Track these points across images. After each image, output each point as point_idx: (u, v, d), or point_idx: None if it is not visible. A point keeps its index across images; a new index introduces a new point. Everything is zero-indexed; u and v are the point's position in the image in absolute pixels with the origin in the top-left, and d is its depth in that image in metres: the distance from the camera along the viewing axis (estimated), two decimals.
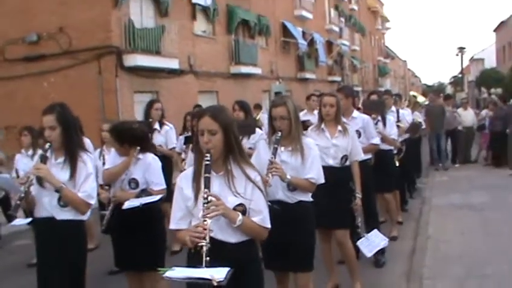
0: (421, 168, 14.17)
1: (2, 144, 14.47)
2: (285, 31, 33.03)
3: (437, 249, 7.63)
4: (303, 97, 28.87)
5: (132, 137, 5.41)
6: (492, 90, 19.90)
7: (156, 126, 8.55)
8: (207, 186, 3.25)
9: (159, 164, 5.52)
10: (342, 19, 48.93)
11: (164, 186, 5.45)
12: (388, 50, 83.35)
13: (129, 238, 5.30)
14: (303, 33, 35.67)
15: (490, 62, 60.50)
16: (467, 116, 17.15)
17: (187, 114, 8.24)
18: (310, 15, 37.03)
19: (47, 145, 4.55)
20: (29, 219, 7.72)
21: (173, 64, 19.35)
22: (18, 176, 7.97)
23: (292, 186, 4.63)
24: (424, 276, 6.55)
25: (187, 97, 19.63)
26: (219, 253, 3.17)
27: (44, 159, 4.51)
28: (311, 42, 36.74)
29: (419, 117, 12.82)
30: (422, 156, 14.66)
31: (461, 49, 56.24)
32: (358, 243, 6.14)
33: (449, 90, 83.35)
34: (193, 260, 3.18)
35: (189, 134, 8.70)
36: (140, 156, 5.37)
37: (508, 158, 15.02)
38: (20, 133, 8.41)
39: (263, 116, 12.45)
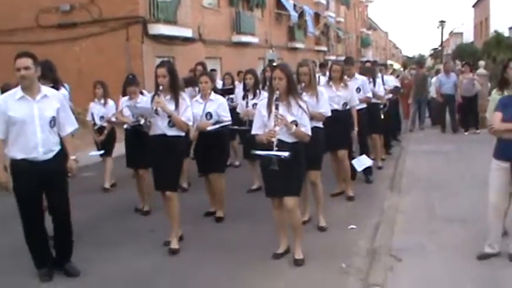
0: (400, 126, 16.89)
1: None
2: (279, 4, 35.64)
3: (411, 173, 10.68)
4: (292, 64, 31.39)
5: None
6: (463, 62, 22.44)
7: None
8: (277, 108, 5.87)
9: (226, 102, 8.23)
10: None
11: (230, 117, 8.07)
12: (370, 22, 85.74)
13: (208, 152, 7.94)
14: (294, 5, 38.15)
15: (468, 36, 62.95)
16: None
17: (246, 71, 10.12)
18: None
19: (160, 87, 6.57)
20: (102, 151, 10.42)
21: (187, 33, 22.03)
22: (93, 119, 10.51)
23: (310, 116, 6.69)
24: (402, 187, 9.58)
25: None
26: (281, 147, 5.80)
27: (158, 96, 6.59)
28: (301, 14, 39.20)
29: (395, 81, 15.45)
30: (401, 116, 17.38)
31: (442, 22, 58.15)
32: (353, 161, 9.26)
33: (429, 62, 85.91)
34: (268, 150, 5.85)
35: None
36: (213, 97, 7.93)
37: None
38: (94, 86, 10.61)
39: None
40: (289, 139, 5.94)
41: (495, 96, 6.51)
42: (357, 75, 9.98)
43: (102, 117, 10.48)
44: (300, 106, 6.00)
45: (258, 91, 9.54)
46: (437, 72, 21.76)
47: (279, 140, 5.79)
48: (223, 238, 7.31)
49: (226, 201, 8.34)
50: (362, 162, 9.41)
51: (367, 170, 9.99)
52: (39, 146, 5.64)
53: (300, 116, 5.98)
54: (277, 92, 5.88)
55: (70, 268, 6.08)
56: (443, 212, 7.91)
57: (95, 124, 10.55)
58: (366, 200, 8.93)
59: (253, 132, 6.19)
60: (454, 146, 14.17)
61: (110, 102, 10.45)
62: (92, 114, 10.58)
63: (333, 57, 46.75)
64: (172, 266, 6.33)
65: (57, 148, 5.82)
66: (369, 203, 8.78)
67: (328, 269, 5.99)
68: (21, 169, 5.68)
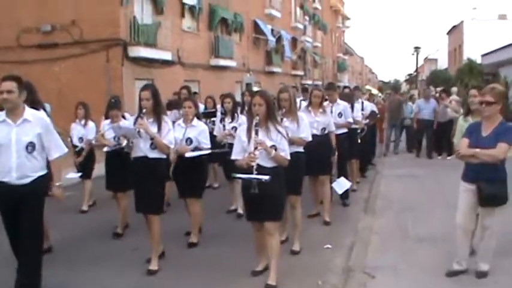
0: (375, 150, 17.25)
1: None
2: (256, 28, 36.20)
3: (384, 196, 11.01)
4: (269, 88, 31.98)
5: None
6: (438, 89, 23.05)
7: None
8: (257, 134, 5.97)
9: (207, 129, 8.27)
10: (307, 17, 52.19)
11: (209, 145, 8.12)
12: (347, 47, 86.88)
13: (186, 176, 7.95)
14: (272, 30, 38.71)
15: (443, 62, 64.07)
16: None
17: (225, 95, 10.24)
18: (278, 14, 40.32)
19: (144, 110, 6.68)
20: (80, 174, 10.40)
21: (166, 56, 22.41)
22: (72, 141, 10.51)
23: (291, 141, 6.69)
24: (376, 209, 9.90)
25: (176, 85, 22.08)
26: (261, 171, 5.88)
27: (141, 118, 6.68)
28: (278, 39, 39.86)
29: (373, 106, 15.85)
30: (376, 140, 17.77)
31: (417, 49, 59.14)
32: (333, 184, 9.43)
33: (404, 87, 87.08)
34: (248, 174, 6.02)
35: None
36: (195, 123, 8.00)
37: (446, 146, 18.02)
38: (76, 107, 10.68)
39: None
40: (268, 164, 6.07)
41: (462, 122, 6.87)
42: (338, 100, 10.17)
43: (81, 138, 10.53)
44: (278, 131, 6.15)
45: (236, 115, 9.70)
46: (411, 97, 22.23)
47: (259, 165, 5.93)
48: (202, 257, 7.47)
49: (205, 221, 8.49)
50: (342, 185, 9.67)
51: (344, 194, 10.25)
52: (13, 171, 5.59)
53: (279, 141, 6.12)
54: (257, 118, 6.04)
55: None
56: (416, 233, 8.22)
57: (74, 145, 10.55)
58: (341, 222, 9.18)
59: (233, 157, 6.31)
60: (426, 170, 14.55)
61: (90, 123, 10.51)
62: (71, 136, 10.64)
63: (309, 82, 47.42)
64: (151, 284, 6.47)
65: (36, 174, 5.73)
66: (344, 225, 9.04)
67: (304, 286, 6.23)
68: None
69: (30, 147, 5.66)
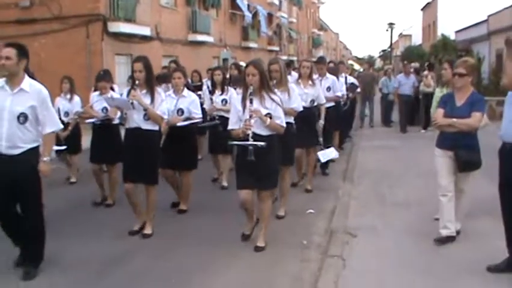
0: (352, 123, 17.67)
1: None
2: (233, 4, 36.29)
3: (361, 167, 11.52)
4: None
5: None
6: (412, 64, 23.51)
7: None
8: (251, 103, 6.20)
9: (198, 99, 8.48)
10: None
11: (201, 115, 8.36)
12: (322, 23, 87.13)
13: (178, 150, 8.01)
14: (248, 6, 38.81)
15: (417, 38, 64.53)
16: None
17: (215, 68, 10.64)
18: None
19: (137, 81, 6.83)
20: (64, 147, 10.05)
21: (145, 31, 22.52)
22: (59, 114, 10.26)
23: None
24: (354, 178, 10.40)
25: (154, 60, 22.37)
26: (257, 140, 6.09)
27: (135, 89, 6.85)
28: (255, 15, 39.95)
29: (355, 80, 16.29)
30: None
31: (391, 25, 59.61)
32: (318, 153, 9.79)
33: (378, 63, 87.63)
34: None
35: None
36: (185, 94, 8.22)
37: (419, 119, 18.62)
38: (61, 81, 10.70)
39: None
40: (264, 132, 6.28)
41: (438, 94, 7.33)
42: (327, 74, 10.50)
43: (66, 113, 10.50)
44: (273, 100, 6.33)
45: (226, 87, 9.85)
46: (386, 72, 22.67)
47: (255, 133, 6.14)
48: (192, 225, 7.75)
49: (192, 190, 8.65)
50: (327, 154, 9.97)
51: (324, 164, 10.62)
52: (3, 139, 5.50)
53: (274, 109, 6.32)
54: (251, 87, 6.21)
55: (25, 273, 5.80)
56: (392, 198, 8.75)
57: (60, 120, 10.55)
58: (321, 190, 9.63)
59: (229, 127, 6.49)
60: (401, 142, 15.17)
61: (76, 98, 10.56)
62: (58, 109, 10.38)
63: (284, 57, 47.62)
64: (146, 249, 6.72)
65: (27, 145, 5.65)
66: (324, 192, 9.50)
67: (290, 246, 6.66)
68: None
69: (22, 117, 5.58)
